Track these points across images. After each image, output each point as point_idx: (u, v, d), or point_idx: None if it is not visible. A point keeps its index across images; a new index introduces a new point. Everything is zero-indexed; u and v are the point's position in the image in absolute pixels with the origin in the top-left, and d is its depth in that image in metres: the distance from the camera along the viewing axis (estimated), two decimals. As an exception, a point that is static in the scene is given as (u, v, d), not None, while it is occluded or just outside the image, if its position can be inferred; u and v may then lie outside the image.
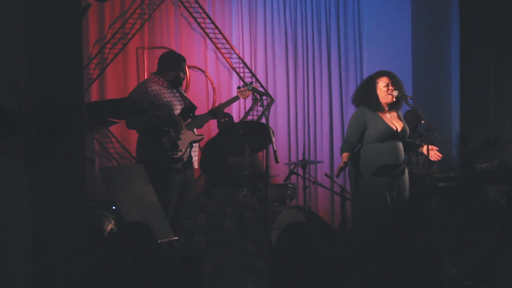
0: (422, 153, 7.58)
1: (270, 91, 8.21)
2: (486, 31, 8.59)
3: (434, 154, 6.24)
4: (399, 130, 6.01)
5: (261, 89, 7.76)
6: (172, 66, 6.13)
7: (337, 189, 7.92)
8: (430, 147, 6.16)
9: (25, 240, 3.36)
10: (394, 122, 6.04)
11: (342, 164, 5.95)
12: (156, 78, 6.15)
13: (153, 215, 4.98)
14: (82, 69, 3.93)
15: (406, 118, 6.69)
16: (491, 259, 3.98)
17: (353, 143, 6.02)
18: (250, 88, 6.36)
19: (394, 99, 5.99)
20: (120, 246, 3.29)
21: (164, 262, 3.52)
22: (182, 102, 6.17)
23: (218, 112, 6.32)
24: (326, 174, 8.05)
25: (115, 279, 3.34)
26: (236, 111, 8.04)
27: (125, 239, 3.27)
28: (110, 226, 4.86)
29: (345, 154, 5.99)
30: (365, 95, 6.04)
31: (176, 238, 5.19)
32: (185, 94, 6.38)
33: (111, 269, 3.36)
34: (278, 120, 8.34)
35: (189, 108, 6.16)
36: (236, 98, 6.47)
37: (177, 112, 6.05)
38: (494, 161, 7.87)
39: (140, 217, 4.71)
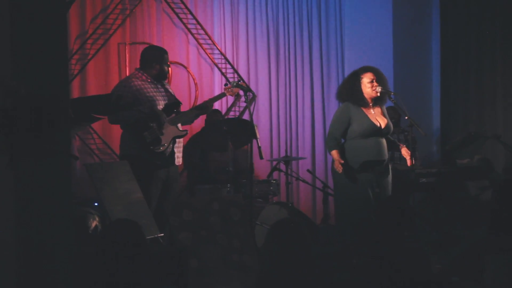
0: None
1: (252, 87, 8.20)
2: (466, 28, 8.64)
3: (408, 159, 6.24)
4: (383, 126, 6.02)
5: (244, 86, 7.74)
6: (155, 60, 6.10)
7: (319, 184, 7.94)
8: (404, 152, 6.17)
9: (10, 238, 3.34)
10: (378, 118, 6.05)
11: (341, 161, 5.94)
12: (139, 74, 6.12)
13: (139, 212, 4.96)
14: (68, 65, 3.91)
15: (387, 113, 6.71)
16: (477, 254, 3.99)
17: (338, 139, 6.03)
18: (235, 84, 6.34)
19: (379, 95, 6.01)
20: (108, 242, 3.27)
21: (150, 259, 3.48)
22: (166, 98, 6.14)
23: (206, 107, 6.29)
24: (308, 170, 8.07)
25: (102, 276, 3.31)
26: (218, 107, 8.03)
27: (114, 235, 3.25)
28: (94, 223, 4.83)
29: (335, 152, 5.98)
30: (350, 91, 6.04)
31: (161, 234, 5.17)
32: (171, 90, 6.35)
33: (98, 266, 3.34)
34: (260, 116, 8.34)
35: (173, 103, 6.14)
36: (223, 95, 6.47)
37: (160, 107, 6.02)
38: (475, 157, 7.91)
39: (125, 214, 4.70)
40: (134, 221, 3.27)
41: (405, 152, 6.21)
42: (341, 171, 5.92)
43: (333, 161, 6.16)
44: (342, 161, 5.92)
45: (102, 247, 3.20)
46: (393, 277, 3.73)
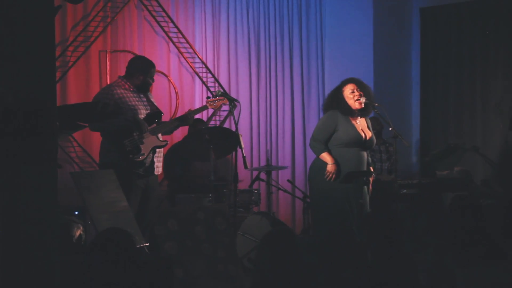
0: (387, 160, 7.68)
1: (233, 96, 8.16)
2: (446, 41, 8.70)
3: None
4: (367, 138, 6.04)
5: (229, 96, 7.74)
6: (140, 70, 6.13)
7: (298, 194, 7.95)
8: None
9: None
10: (364, 130, 6.07)
11: (333, 162, 5.92)
12: (122, 82, 6.13)
13: (124, 221, 4.94)
14: (55, 72, 3.87)
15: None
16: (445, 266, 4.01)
17: (325, 144, 6.00)
18: (220, 94, 6.35)
19: (363, 106, 6.02)
20: (97, 251, 3.24)
21: (136, 269, 3.45)
22: (147, 107, 6.15)
23: (188, 119, 6.30)
24: (288, 180, 8.08)
25: (87, 285, 3.29)
26: (199, 116, 7.99)
27: (103, 244, 3.22)
28: (78, 232, 4.80)
29: (326, 154, 5.96)
30: (333, 102, 6.06)
31: (147, 244, 5.15)
32: (153, 100, 6.34)
33: (85, 275, 3.31)
34: (240, 125, 8.26)
35: (154, 113, 6.15)
36: (204, 107, 6.50)
37: (141, 116, 6.02)
38: (454, 168, 7.97)
39: (111, 223, 4.67)
40: (125, 230, 3.24)
41: (331, 168, 6.04)
42: (334, 172, 5.91)
43: (312, 166, 6.16)
44: (334, 163, 5.92)
45: (93, 256, 3.17)
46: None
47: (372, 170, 6.18)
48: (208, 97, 6.52)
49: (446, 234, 6.79)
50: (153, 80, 6.28)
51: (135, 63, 6.22)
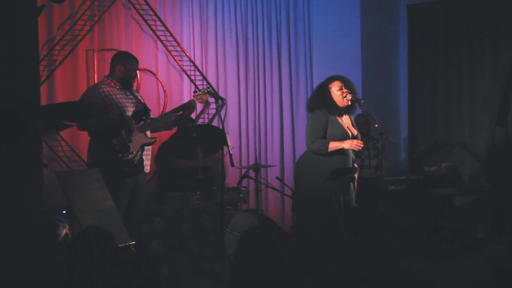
0: (375, 156, 7.71)
1: (221, 94, 8.20)
2: (433, 38, 8.73)
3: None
4: (354, 135, 6.07)
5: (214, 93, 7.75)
6: (121, 62, 6.15)
7: (287, 191, 7.97)
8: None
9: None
10: (349, 127, 6.10)
11: (348, 141, 5.94)
12: (108, 80, 6.15)
13: (110, 219, 4.94)
14: (39, 71, 3.88)
15: (357, 121, 6.76)
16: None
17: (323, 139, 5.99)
18: (206, 91, 6.37)
19: (350, 103, 6.04)
20: (80, 250, 3.24)
21: (122, 267, 3.46)
22: (135, 105, 6.15)
23: (191, 106, 6.32)
24: (277, 177, 8.09)
25: (74, 284, 3.29)
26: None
27: (85, 243, 3.23)
28: (64, 231, 4.78)
29: (331, 143, 5.92)
30: (320, 101, 6.06)
31: (133, 242, 5.16)
32: (141, 97, 6.35)
33: (70, 274, 3.31)
34: (229, 124, 8.33)
35: (142, 111, 6.15)
36: (192, 103, 6.50)
37: (129, 113, 6.02)
38: (442, 164, 8.00)
39: (97, 221, 4.68)
40: (105, 228, 3.25)
41: (351, 144, 6.03)
42: (354, 143, 5.92)
43: (298, 164, 6.18)
44: (348, 140, 5.93)
45: (74, 255, 3.18)
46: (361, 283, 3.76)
47: (356, 166, 6.21)
48: (194, 91, 6.54)
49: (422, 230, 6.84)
50: (135, 74, 6.26)
51: (115, 57, 6.26)
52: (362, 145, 6.00)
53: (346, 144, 5.91)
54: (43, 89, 7.22)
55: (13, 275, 3.34)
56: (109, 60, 6.41)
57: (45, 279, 3.44)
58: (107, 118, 5.86)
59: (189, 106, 6.33)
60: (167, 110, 7.63)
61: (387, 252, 4.03)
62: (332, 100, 6.02)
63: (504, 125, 8.06)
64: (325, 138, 5.93)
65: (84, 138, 6.74)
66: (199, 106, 8.08)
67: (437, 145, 7.93)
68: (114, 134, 5.87)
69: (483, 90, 8.33)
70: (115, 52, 6.82)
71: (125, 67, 6.13)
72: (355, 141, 5.93)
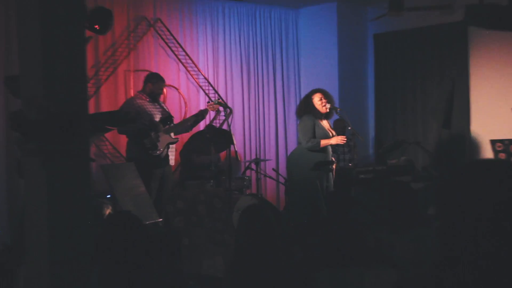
0: (348, 152, 7.71)
1: (229, 103, 8.22)
2: (394, 60, 8.74)
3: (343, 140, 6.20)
4: (332, 135, 6.09)
5: (223, 103, 7.78)
6: (150, 80, 6.20)
7: (281, 180, 8.00)
8: (338, 140, 6.14)
9: (44, 220, 3.35)
10: (329, 129, 6.13)
11: (335, 137, 5.92)
12: (140, 94, 6.18)
13: (143, 202, 4.96)
14: (87, 88, 3.91)
15: (335, 125, 6.79)
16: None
17: (313, 138, 6.00)
18: (217, 102, 6.41)
19: (328, 110, 6.07)
20: (116, 227, 3.25)
21: (151, 239, 3.49)
22: (161, 113, 6.19)
23: (202, 114, 6.39)
24: (273, 169, 8.12)
25: (115, 253, 3.30)
26: (203, 120, 8.03)
27: (118, 222, 3.24)
28: (108, 211, 4.81)
29: (321, 140, 5.91)
30: (306, 108, 6.10)
31: (160, 219, 5.19)
32: (165, 107, 6.39)
33: (111, 246, 3.31)
34: (235, 127, 8.36)
35: (167, 117, 6.19)
36: (206, 111, 6.54)
37: (156, 120, 6.06)
38: (401, 158, 8.00)
39: (132, 204, 4.69)
40: (130, 212, 3.26)
41: (337, 139, 6.04)
42: (340, 138, 5.89)
43: (290, 158, 6.20)
44: (334, 137, 5.91)
45: (110, 232, 3.18)
46: (339, 250, 3.78)
47: (333, 159, 6.23)
48: (208, 102, 6.57)
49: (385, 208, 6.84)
50: (161, 90, 6.27)
51: (147, 76, 6.31)
52: (346, 139, 6.02)
53: (333, 140, 5.94)
54: (92, 101, 7.26)
55: (69, 245, 3.38)
56: (143, 79, 6.44)
57: (92, 248, 3.48)
58: (140, 123, 5.89)
59: (203, 113, 6.37)
60: (187, 116, 7.65)
61: (358, 226, 4.06)
62: (314, 107, 6.05)
63: (448, 127, 8.08)
64: (315, 137, 5.96)
65: (123, 138, 6.76)
66: (212, 113, 8.11)
67: (397, 143, 7.94)
68: (146, 136, 5.90)
69: (432, 100, 8.33)
70: (147, 72, 6.85)
71: (153, 85, 6.16)
72: (339, 137, 5.96)
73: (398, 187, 4.00)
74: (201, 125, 7.72)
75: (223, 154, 7.64)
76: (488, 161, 1.30)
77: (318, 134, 5.96)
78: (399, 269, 3.48)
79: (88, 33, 3.97)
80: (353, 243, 3.88)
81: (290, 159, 6.25)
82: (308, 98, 6.13)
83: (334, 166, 6.17)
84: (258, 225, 3.21)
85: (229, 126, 6.23)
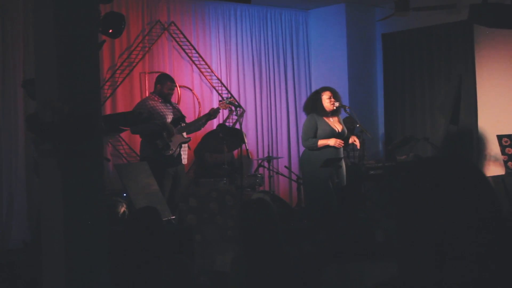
0: (357, 149, 7.67)
1: (242, 103, 8.23)
2: (402, 58, 8.69)
3: (358, 144, 6.20)
4: (339, 131, 6.07)
5: (235, 103, 7.78)
6: (159, 82, 6.22)
7: (294, 177, 7.98)
8: (354, 139, 6.15)
9: (60, 217, 3.36)
10: (336, 125, 6.09)
11: (333, 139, 5.90)
12: (153, 96, 6.20)
13: (156, 200, 4.96)
14: (100, 90, 3.92)
15: (345, 122, 6.75)
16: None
17: (313, 138, 6.00)
18: (228, 101, 6.40)
19: (335, 108, 6.04)
20: (135, 223, 3.26)
21: (166, 236, 3.49)
22: (173, 113, 6.19)
23: (212, 114, 6.35)
24: (285, 166, 8.10)
25: (131, 249, 3.31)
26: (216, 119, 8.03)
27: (139, 218, 3.24)
28: (122, 209, 4.82)
29: (320, 140, 5.92)
30: (314, 105, 6.08)
31: (173, 217, 5.19)
32: (178, 107, 6.39)
33: (128, 241, 3.32)
34: (248, 125, 8.36)
35: (179, 117, 6.19)
36: (218, 109, 6.53)
37: (168, 120, 6.06)
38: (410, 154, 7.96)
39: (146, 202, 4.69)
40: (154, 207, 3.27)
41: (353, 139, 6.11)
42: (338, 141, 5.87)
43: (301, 158, 6.18)
44: (332, 139, 5.88)
45: (132, 227, 3.19)
46: (348, 245, 3.77)
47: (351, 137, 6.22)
48: (220, 100, 6.56)
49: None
50: (171, 90, 6.24)
51: (156, 78, 6.33)
52: (343, 143, 5.99)
53: (331, 142, 5.92)
54: (108, 103, 7.29)
55: (84, 242, 3.40)
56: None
57: (108, 244, 3.49)
58: (153, 124, 5.90)
59: (215, 112, 6.36)
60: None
61: (367, 221, 4.04)
62: (322, 105, 6.03)
63: (456, 123, 8.02)
64: (316, 137, 5.95)
65: (138, 138, 6.78)
66: (225, 113, 8.11)
67: (406, 139, 7.89)
68: (158, 136, 5.90)
69: (440, 96, 8.27)
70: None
71: (162, 86, 6.17)
72: (338, 140, 5.93)
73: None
74: (214, 124, 7.74)
75: (236, 152, 7.65)
76: (437, 159, 1.28)
77: (324, 130, 5.95)
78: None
79: (102, 37, 3.98)
80: (362, 237, 3.86)
81: (302, 158, 6.24)
82: (317, 95, 6.11)
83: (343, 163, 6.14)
84: (258, 219, 3.09)
85: (240, 125, 6.21)
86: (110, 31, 4.29)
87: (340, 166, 6.05)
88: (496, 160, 7.61)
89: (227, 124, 8.21)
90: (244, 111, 8.21)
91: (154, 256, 3.10)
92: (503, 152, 6.69)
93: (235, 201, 5.28)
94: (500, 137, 6.82)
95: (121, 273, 3.04)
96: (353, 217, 5.26)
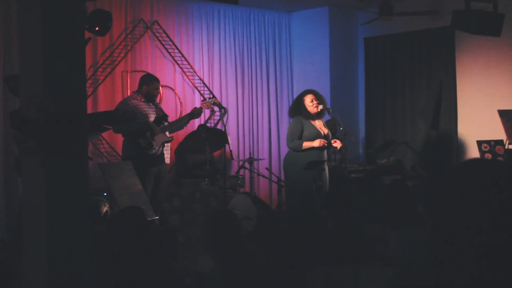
0: (339, 152, 7.68)
1: (223, 104, 8.18)
2: (383, 63, 8.74)
3: (337, 144, 6.22)
4: (325, 133, 6.08)
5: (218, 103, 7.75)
6: (145, 82, 6.15)
7: (274, 179, 7.96)
8: (337, 144, 6.18)
9: (43, 217, 3.32)
10: (322, 128, 6.10)
11: (318, 140, 5.89)
12: (135, 95, 6.14)
13: (139, 200, 4.92)
14: (85, 88, 3.87)
15: (327, 124, 6.76)
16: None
17: (298, 139, 5.99)
18: (212, 102, 6.37)
19: (319, 110, 6.05)
20: (120, 223, 3.21)
21: (151, 236, 3.46)
22: (156, 112, 6.15)
23: (195, 113, 6.32)
24: (266, 168, 8.09)
25: (116, 249, 3.27)
26: (197, 120, 7.99)
27: (124, 218, 3.20)
28: (105, 209, 4.76)
29: (305, 142, 5.91)
30: (298, 109, 6.08)
31: (157, 217, 5.14)
32: (160, 106, 6.34)
33: (112, 241, 3.28)
34: (230, 127, 8.32)
35: (161, 116, 6.14)
36: (201, 109, 6.50)
37: (151, 119, 6.02)
38: (390, 158, 8.01)
39: (129, 202, 4.65)
40: (139, 207, 3.24)
41: (338, 143, 6.17)
42: (323, 142, 5.86)
43: (285, 159, 6.16)
44: (317, 140, 5.88)
45: (116, 227, 3.15)
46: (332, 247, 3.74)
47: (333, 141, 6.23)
48: (202, 100, 6.54)
49: (383, 206, 6.82)
50: (157, 91, 6.21)
51: (142, 78, 6.26)
52: (326, 143, 6.00)
53: (316, 143, 5.92)
54: (89, 101, 7.19)
55: (67, 242, 3.35)
56: (139, 79, 6.39)
57: (91, 243, 3.45)
58: (136, 123, 5.85)
59: (198, 112, 6.33)
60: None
61: (352, 224, 4.03)
62: (306, 108, 6.03)
63: (436, 128, 8.09)
64: (301, 139, 5.95)
65: (119, 137, 6.71)
66: (207, 113, 8.07)
67: (387, 143, 7.95)
68: (141, 136, 5.86)
69: (421, 101, 8.34)
70: (144, 73, 6.81)
71: (148, 87, 6.12)
72: (322, 140, 5.93)
73: (396, 184, 3.96)
74: (195, 125, 7.70)
75: (217, 153, 7.61)
76: (485, 161, 1.28)
77: (308, 134, 5.95)
78: (394, 267, 3.45)
79: (87, 34, 3.93)
80: (347, 241, 3.85)
81: (286, 160, 6.22)
82: (299, 99, 6.12)
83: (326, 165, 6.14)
84: (222, 228, 3.24)
85: (224, 126, 6.19)
86: (97, 28, 4.26)
87: (324, 169, 6.05)
88: (475, 165, 7.68)
89: (208, 125, 8.18)
90: (226, 111, 8.16)
91: (139, 257, 3.06)
92: (494, 158, 6.76)
93: (219, 202, 5.25)
94: (480, 143, 6.90)
95: (106, 273, 2.99)
96: (337, 220, 5.23)
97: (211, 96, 8.11)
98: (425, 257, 1.32)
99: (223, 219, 3.29)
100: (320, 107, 6.02)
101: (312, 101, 6.02)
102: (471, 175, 1.25)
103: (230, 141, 6.11)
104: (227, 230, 3.22)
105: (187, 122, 6.42)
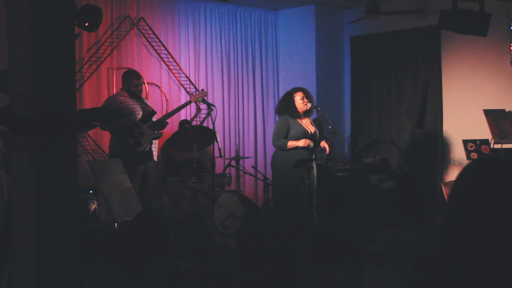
0: (325, 150, 7.71)
1: (210, 101, 8.13)
2: (369, 62, 8.77)
3: (327, 148, 6.26)
4: (312, 132, 6.07)
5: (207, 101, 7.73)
6: (124, 79, 6.17)
7: (260, 177, 7.96)
8: (324, 144, 6.21)
9: (31, 214, 3.28)
10: (308, 126, 6.09)
11: (303, 140, 5.89)
12: (122, 92, 6.12)
13: (129, 197, 4.88)
14: (75, 84, 3.83)
15: (315, 123, 6.77)
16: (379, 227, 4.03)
17: (284, 138, 5.99)
18: (201, 99, 6.35)
19: (308, 108, 6.04)
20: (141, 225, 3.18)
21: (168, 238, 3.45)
22: (143, 109, 6.11)
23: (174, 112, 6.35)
24: (252, 166, 8.08)
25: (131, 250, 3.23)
26: (184, 117, 7.97)
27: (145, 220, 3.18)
28: (93, 206, 4.72)
29: (290, 141, 5.90)
30: (286, 106, 6.06)
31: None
32: (147, 103, 6.31)
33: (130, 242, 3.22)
34: (216, 125, 8.26)
35: (149, 113, 6.11)
36: (189, 102, 6.49)
37: (138, 117, 5.98)
38: (376, 157, 8.04)
39: (119, 199, 4.62)
40: (158, 209, 3.21)
41: (324, 144, 6.19)
42: (307, 142, 5.86)
43: (273, 157, 6.15)
44: (302, 140, 5.88)
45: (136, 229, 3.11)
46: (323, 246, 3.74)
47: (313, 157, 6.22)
48: (191, 94, 6.51)
49: (383, 203, 6.83)
50: (137, 88, 6.14)
51: (122, 75, 6.27)
52: (312, 144, 5.99)
53: (301, 143, 5.91)
54: (76, 98, 7.11)
55: (56, 240, 3.31)
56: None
57: (80, 241, 3.41)
58: (124, 121, 5.81)
59: (186, 104, 6.35)
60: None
61: (342, 223, 4.03)
62: (294, 106, 6.02)
63: (421, 127, 8.14)
64: (287, 138, 5.94)
65: (105, 135, 6.66)
66: (193, 111, 8.03)
67: (373, 142, 7.97)
68: (129, 133, 5.82)
69: (406, 101, 8.38)
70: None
71: (127, 84, 6.10)
72: (307, 140, 5.93)
73: (406, 180, 3.92)
74: (176, 122, 7.67)
75: (204, 151, 7.58)
76: (499, 159, 1.27)
77: (295, 133, 5.94)
78: (383, 265, 3.46)
79: (77, 30, 3.88)
80: (338, 239, 3.85)
81: (273, 158, 6.20)
82: (289, 96, 6.09)
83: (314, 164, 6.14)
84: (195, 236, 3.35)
85: (213, 123, 6.17)
86: (87, 24, 4.21)
87: (312, 167, 6.05)
88: (460, 164, 7.76)
89: (194, 123, 8.15)
90: (211, 110, 8.14)
91: (154, 259, 3.07)
92: (468, 157, 6.81)
93: (208, 201, 5.23)
94: (465, 142, 6.95)
95: (116, 274, 2.97)
96: (328, 219, 5.23)
97: (202, 89, 8.09)
98: (433, 254, 1.31)
99: (192, 224, 3.36)
100: (309, 105, 6.01)
101: (303, 98, 6.01)
102: (484, 173, 1.24)
103: (218, 139, 6.09)
104: (199, 235, 3.30)
105: (174, 113, 6.45)
